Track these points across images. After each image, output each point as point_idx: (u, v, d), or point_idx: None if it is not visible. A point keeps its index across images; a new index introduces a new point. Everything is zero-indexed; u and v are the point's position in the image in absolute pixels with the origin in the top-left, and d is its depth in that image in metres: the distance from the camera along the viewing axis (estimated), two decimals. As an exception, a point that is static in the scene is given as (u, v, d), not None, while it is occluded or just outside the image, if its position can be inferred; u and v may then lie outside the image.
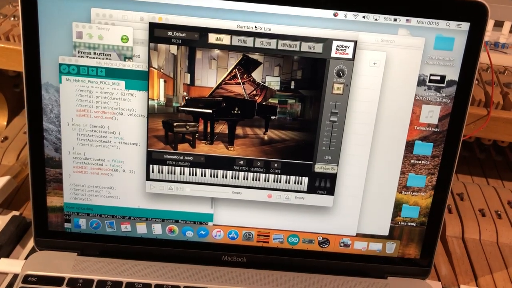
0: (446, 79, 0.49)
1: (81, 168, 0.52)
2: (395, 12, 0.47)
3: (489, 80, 0.66)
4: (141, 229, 0.55)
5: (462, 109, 0.50)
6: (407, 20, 0.47)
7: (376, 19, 0.47)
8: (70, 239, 0.55)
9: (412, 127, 0.51)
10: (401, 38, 0.47)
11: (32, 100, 0.49)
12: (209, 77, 0.49)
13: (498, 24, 0.76)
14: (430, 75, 0.49)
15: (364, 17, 0.47)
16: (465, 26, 0.47)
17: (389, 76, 0.49)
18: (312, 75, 0.48)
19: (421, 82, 0.49)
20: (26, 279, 0.51)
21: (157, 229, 0.55)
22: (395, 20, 0.47)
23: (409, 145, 0.51)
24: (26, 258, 0.54)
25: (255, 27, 0.47)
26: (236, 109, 0.50)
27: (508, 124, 0.61)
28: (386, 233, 0.55)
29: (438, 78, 0.49)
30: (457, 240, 0.65)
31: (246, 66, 0.48)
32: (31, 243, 0.57)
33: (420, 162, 0.52)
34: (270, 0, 0.46)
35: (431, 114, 0.50)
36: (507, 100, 0.63)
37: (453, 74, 0.48)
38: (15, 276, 0.52)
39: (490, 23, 0.75)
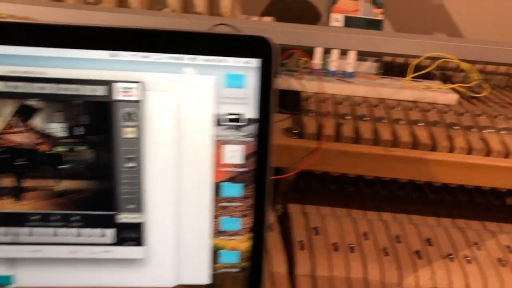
0: (244, 117, 0.47)
1: None
2: (178, 50, 0.44)
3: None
4: None
5: (266, 146, 0.48)
6: (192, 58, 0.45)
7: (159, 59, 0.44)
8: None
9: (217, 169, 0.48)
10: (189, 77, 0.45)
11: None
12: (-16, 128, 0.45)
13: (344, 53, 0.76)
14: (227, 114, 0.47)
15: (145, 56, 0.44)
16: (255, 62, 0.45)
17: (182, 116, 0.46)
18: (99, 120, 0.45)
19: (218, 122, 0.47)
20: None
21: None
22: (180, 59, 0.45)
23: (218, 187, 0.48)
24: None
25: (29, 71, 0.43)
26: (19, 160, 0.46)
27: (340, 155, 0.60)
28: (208, 281, 0.51)
29: (235, 116, 0.47)
30: (305, 278, 0.63)
31: (25, 113, 0.44)
32: None
33: (231, 204, 0.49)
34: (41, 43, 0.43)
35: (235, 154, 0.48)
36: (340, 132, 0.62)
37: (250, 111, 0.47)
38: None
39: (336, 52, 0.75)
